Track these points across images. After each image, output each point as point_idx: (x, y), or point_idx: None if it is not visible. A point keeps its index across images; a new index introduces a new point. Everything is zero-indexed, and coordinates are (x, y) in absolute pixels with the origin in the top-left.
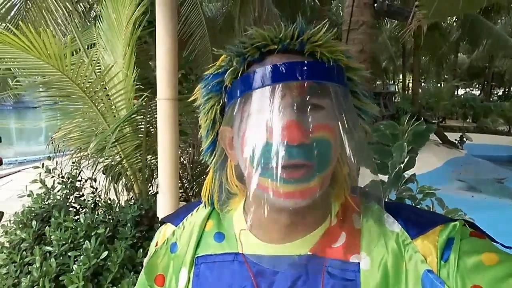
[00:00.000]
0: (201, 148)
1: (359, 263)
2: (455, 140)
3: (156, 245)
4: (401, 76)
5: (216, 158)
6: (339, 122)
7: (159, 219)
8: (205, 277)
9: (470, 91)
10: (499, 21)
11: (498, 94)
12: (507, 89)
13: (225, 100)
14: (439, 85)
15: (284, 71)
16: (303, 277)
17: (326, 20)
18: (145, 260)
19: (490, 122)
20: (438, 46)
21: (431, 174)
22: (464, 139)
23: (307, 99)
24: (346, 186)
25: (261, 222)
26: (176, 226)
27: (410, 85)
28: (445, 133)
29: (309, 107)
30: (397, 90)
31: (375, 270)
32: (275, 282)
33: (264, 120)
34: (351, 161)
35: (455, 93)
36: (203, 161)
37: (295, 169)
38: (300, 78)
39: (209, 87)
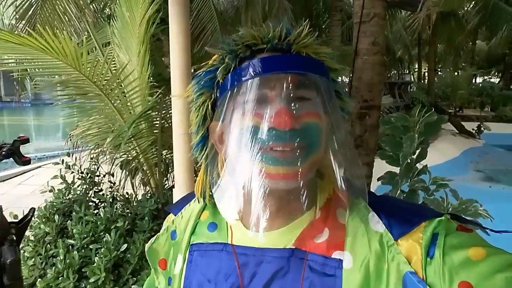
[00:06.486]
0: (191, 143)
1: (341, 260)
2: (473, 129)
3: None
4: (416, 66)
5: (206, 153)
6: (325, 112)
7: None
8: (197, 264)
9: (488, 79)
10: None
11: None
12: None
13: (217, 95)
14: (456, 73)
15: (273, 63)
16: (284, 269)
17: (338, 11)
18: (147, 245)
19: (509, 110)
20: (455, 34)
21: (448, 164)
22: (482, 128)
23: (295, 89)
24: (334, 180)
25: (248, 209)
26: (175, 215)
27: (426, 74)
28: (462, 122)
29: (297, 97)
30: (412, 80)
31: (357, 270)
32: (258, 272)
33: (254, 109)
34: (338, 154)
35: (473, 81)
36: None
37: (286, 152)
38: (288, 69)
39: (201, 83)
